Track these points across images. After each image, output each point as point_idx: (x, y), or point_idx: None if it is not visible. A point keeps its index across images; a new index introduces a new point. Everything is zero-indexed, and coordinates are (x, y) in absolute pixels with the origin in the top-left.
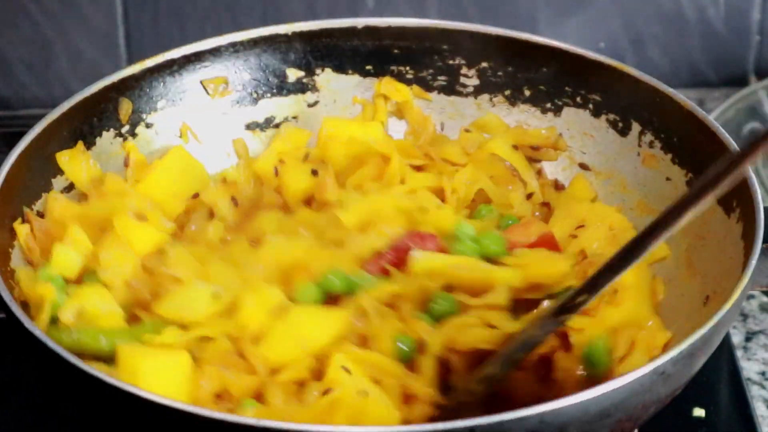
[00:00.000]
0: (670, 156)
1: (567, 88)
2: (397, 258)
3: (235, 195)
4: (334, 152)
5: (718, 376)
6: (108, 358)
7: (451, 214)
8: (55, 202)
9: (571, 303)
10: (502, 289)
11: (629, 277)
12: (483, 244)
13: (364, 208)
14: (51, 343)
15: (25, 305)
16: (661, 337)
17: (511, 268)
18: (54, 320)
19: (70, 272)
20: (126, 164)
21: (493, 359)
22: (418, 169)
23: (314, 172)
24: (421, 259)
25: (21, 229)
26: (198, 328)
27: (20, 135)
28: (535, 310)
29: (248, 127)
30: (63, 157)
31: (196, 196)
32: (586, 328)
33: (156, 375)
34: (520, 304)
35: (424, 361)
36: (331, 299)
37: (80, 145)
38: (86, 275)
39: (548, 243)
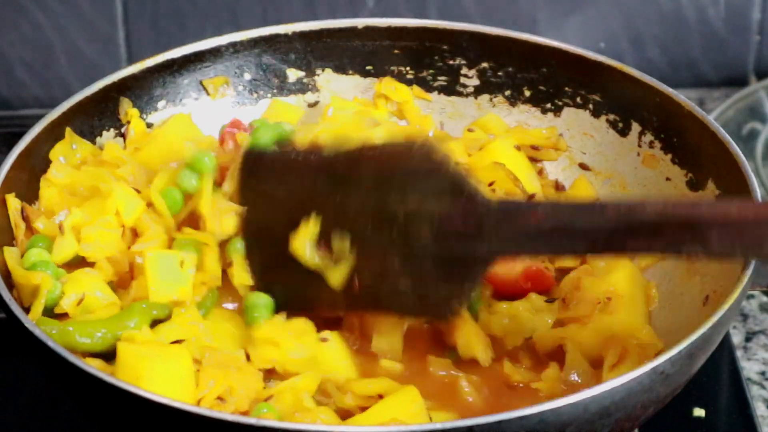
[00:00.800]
0: (670, 156)
1: (567, 88)
2: None
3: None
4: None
5: (718, 376)
6: (103, 353)
7: None
8: (48, 186)
9: (626, 231)
10: None
11: (624, 285)
12: None
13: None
14: (53, 344)
15: (11, 287)
16: (653, 348)
17: None
18: (46, 310)
19: (65, 259)
20: (124, 135)
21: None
22: None
23: None
24: None
25: (12, 202)
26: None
27: (20, 135)
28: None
29: (249, 127)
30: (55, 153)
31: None
32: (579, 336)
33: (158, 377)
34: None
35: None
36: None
37: (68, 131)
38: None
39: (534, 280)
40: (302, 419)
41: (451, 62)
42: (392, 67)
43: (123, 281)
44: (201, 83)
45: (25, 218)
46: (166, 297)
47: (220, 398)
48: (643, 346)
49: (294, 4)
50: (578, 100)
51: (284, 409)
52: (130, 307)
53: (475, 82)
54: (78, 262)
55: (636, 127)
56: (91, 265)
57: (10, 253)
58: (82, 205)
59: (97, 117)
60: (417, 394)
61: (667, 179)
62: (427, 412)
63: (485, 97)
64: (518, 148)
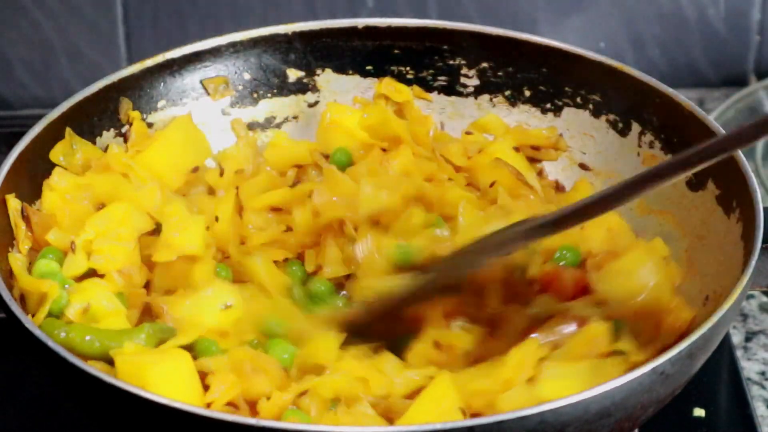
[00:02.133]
0: (670, 156)
1: (567, 88)
2: None
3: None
4: (336, 140)
5: (718, 376)
6: (106, 357)
7: (457, 193)
8: (50, 191)
9: (536, 230)
10: None
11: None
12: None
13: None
14: (54, 345)
15: (11, 288)
16: (687, 314)
17: None
18: (50, 314)
19: (75, 275)
20: (125, 137)
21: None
22: None
23: None
24: None
25: (12, 203)
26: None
27: (20, 135)
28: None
29: (249, 127)
30: (55, 153)
31: (196, 169)
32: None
33: (161, 382)
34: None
35: None
36: None
37: (68, 131)
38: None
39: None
40: (336, 419)
41: (451, 62)
42: (392, 67)
43: (134, 292)
44: (201, 83)
45: (26, 218)
46: (188, 325)
47: (232, 404)
48: (677, 315)
49: (294, 4)
50: (578, 100)
51: (317, 408)
52: (140, 327)
53: (475, 82)
54: (89, 273)
55: (636, 127)
56: (102, 276)
57: (16, 260)
58: (90, 216)
59: (97, 117)
60: (450, 386)
61: None
62: (459, 407)
63: (485, 97)
64: (518, 149)
